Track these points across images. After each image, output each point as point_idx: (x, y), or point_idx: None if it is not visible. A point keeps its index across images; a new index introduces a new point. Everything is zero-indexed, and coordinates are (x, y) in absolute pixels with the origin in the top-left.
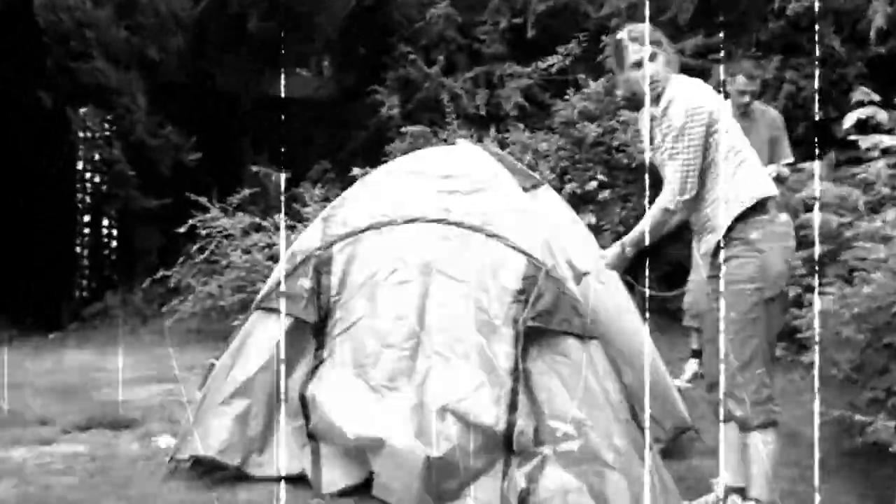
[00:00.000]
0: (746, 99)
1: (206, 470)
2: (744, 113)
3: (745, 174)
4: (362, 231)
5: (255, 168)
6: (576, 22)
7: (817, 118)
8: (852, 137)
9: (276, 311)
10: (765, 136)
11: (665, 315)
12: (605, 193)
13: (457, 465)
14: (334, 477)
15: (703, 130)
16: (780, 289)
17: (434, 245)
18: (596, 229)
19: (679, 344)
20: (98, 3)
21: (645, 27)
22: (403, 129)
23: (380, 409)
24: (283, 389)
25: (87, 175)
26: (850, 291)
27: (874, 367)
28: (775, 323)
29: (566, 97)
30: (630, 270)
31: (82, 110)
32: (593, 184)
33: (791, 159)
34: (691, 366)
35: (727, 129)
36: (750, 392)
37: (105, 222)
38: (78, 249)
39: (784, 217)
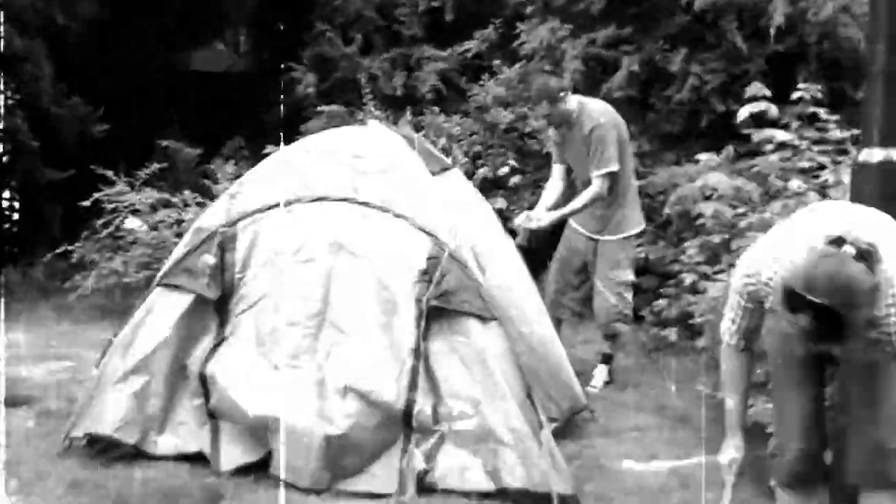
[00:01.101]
0: None
1: (102, 448)
2: None
3: None
4: (269, 208)
5: (164, 142)
6: (493, 7)
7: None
8: (746, 131)
9: (177, 287)
10: None
11: None
12: (517, 178)
13: (357, 443)
14: (232, 454)
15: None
16: None
17: (340, 224)
18: (507, 214)
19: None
20: None
21: None
22: (320, 109)
23: (280, 387)
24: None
25: None
26: None
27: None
28: None
29: (481, 82)
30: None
31: None
32: (505, 169)
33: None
34: (601, 371)
35: None
36: None
37: (6, 194)
38: None
39: None
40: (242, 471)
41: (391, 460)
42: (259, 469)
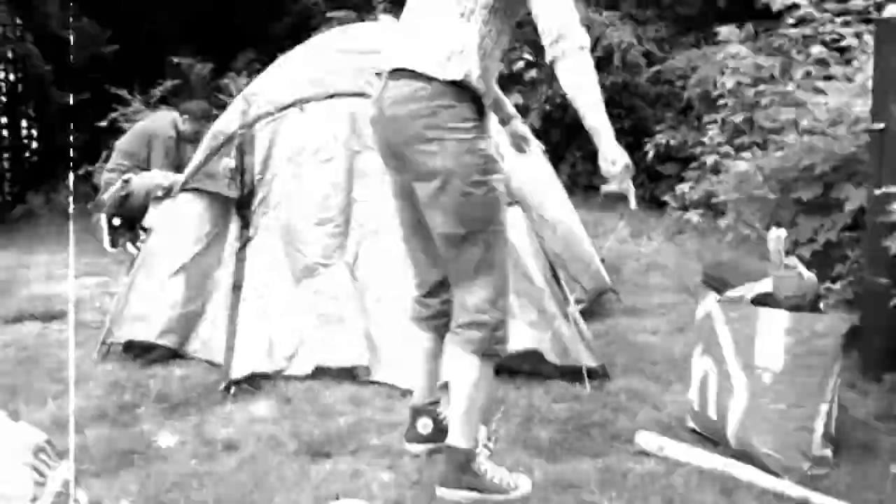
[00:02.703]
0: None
1: (140, 352)
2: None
3: None
4: (284, 108)
5: (176, 59)
6: None
7: None
8: (765, 1)
9: (200, 191)
10: None
11: (591, 190)
12: (532, 73)
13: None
14: (245, 364)
15: None
16: None
17: (357, 120)
18: (523, 109)
19: (603, 218)
20: None
21: None
22: (329, 15)
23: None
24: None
25: (1, 74)
26: (762, 154)
27: (784, 223)
28: None
29: None
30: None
31: None
32: (521, 63)
33: None
34: None
35: None
36: None
37: (23, 122)
38: None
39: None
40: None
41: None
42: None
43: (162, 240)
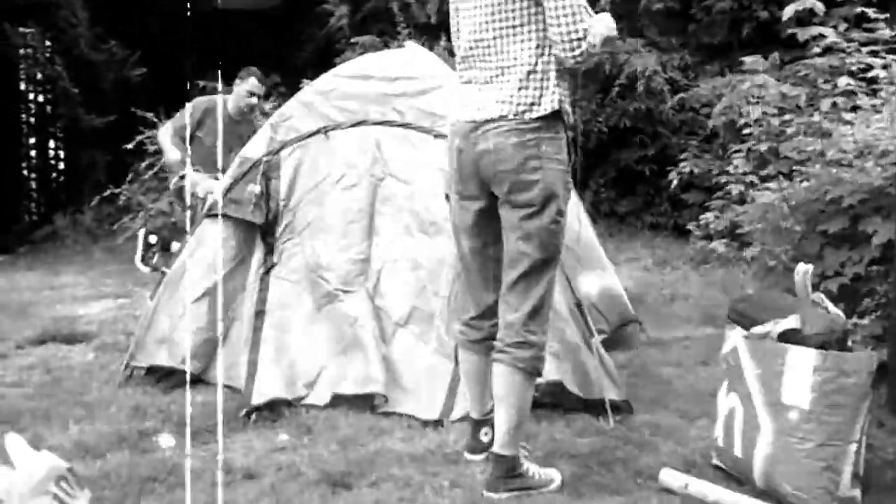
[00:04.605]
0: (254, 101)
1: (162, 375)
2: (244, 115)
3: None
4: (310, 136)
5: (202, 83)
6: None
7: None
8: (791, 31)
9: (224, 217)
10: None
11: (614, 218)
12: None
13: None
14: (265, 390)
15: None
16: None
17: (381, 147)
18: None
19: (626, 246)
20: None
21: None
22: (353, 40)
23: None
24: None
25: (31, 95)
26: (788, 185)
27: (810, 255)
28: None
29: None
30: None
31: (22, 29)
32: None
33: None
34: None
35: None
36: None
37: (51, 144)
38: (25, 172)
39: None
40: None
41: (441, 383)
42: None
43: (187, 264)
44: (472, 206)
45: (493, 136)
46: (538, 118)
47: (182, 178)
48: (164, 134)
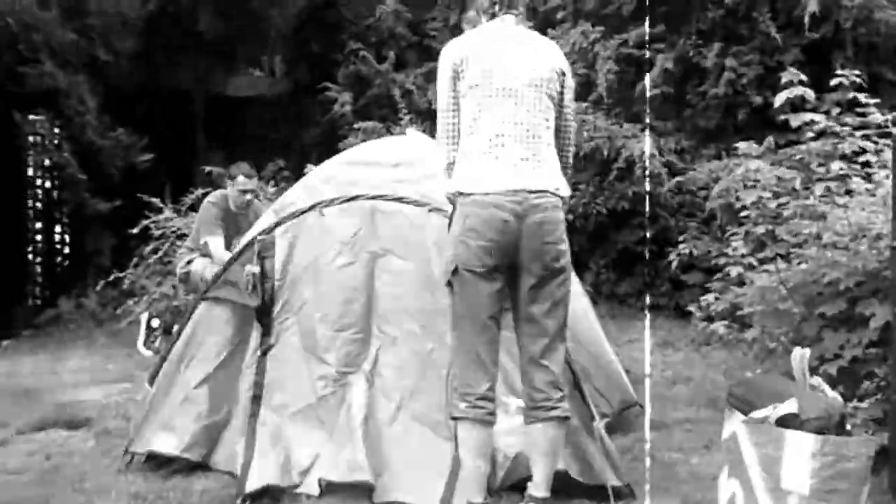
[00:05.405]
0: (248, 197)
1: (162, 462)
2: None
3: None
4: (302, 213)
5: (207, 168)
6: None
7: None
8: (784, 117)
9: (221, 300)
10: None
11: (614, 299)
12: None
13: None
14: (263, 475)
15: None
16: None
17: (377, 222)
18: None
19: (627, 328)
20: (45, 5)
21: None
22: (356, 126)
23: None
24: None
25: (38, 181)
26: (786, 267)
27: (809, 338)
28: None
29: None
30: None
31: (31, 116)
32: None
33: None
34: None
35: None
36: None
37: (57, 228)
38: (30, 256)
39: None
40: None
41: (441, 468)
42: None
43: (186, 348)
44: (497, 279)
45: (544, 210)
46: (563, 197)
47: (189, 262)
48: (209, 241)
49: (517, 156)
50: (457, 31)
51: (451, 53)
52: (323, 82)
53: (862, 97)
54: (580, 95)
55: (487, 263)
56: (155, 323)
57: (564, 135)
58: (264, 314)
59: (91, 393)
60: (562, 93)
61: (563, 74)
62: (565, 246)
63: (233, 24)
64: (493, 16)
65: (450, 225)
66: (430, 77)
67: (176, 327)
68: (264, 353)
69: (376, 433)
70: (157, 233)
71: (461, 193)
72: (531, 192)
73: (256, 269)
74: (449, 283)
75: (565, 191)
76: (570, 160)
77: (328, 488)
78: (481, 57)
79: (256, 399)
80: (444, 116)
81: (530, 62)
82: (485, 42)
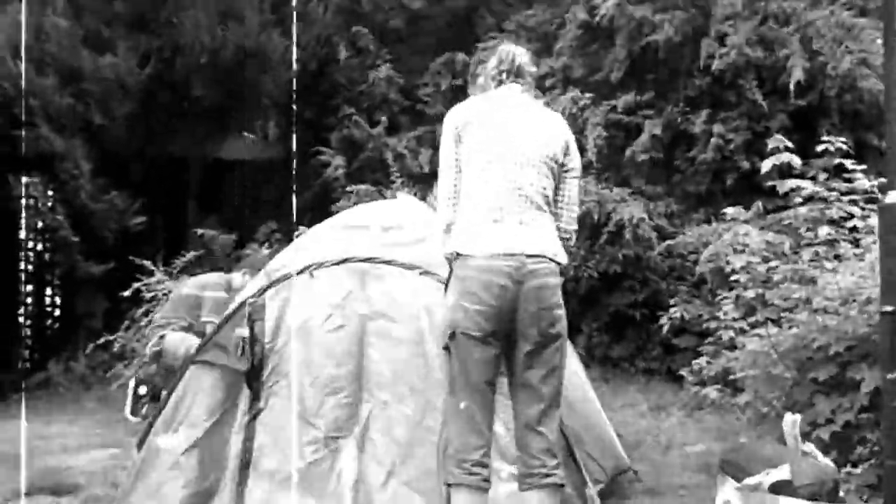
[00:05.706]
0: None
1: None
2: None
3: None
4: (295, 275)
5: (200, 231)
6: None
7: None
8: (771, 183)
9: (211, 364)
10: None
11: (607, 363)
12: None
13: None
14: None
15: None
16: None
17: (368, 286)
18: None
19: (620, 392)
20: (42, 71)
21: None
22: (349, 189)
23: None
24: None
25: (30, 243)
26: (777, 331)
27: (801, 402)
28: None
29: None
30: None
31: (25, 179)
32: None
33: None
34: None
35: None
36: None
37: (48, 291)
38: (20, 319)
39: None
40: None
41: None
42: None
43: (174, 413)
44: (493, 345)
45: (541, 276)
46: (560, 263)
47: (162, 338)
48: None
49: (516, 220)
50: (448, 94)
51: (454, 117)
52: (316, 146)
53: (848, 163)
54: None
55: (485, 328)
56: (142, 390)
57: (565, 204)
58: (254, 378)
59: (78, 459)
60: (564, 164)
61: (567, 145)
62: (562, 311)
63: (227, 90)
64: (501, 83)
65: (446, 288)
66: (422, 141)
67: (164, 393)
68: (253, 418)
69: (367, 499)
70: (148, 295)
71: (459, 255)
72: (529, 256)
73: (246, 333)
74: (446, 347)
75: (563, 257)
76: (573, 230)
77: None
78: (485, 123)
79: (245, 465)
80: (446, 178)
81: (533, 131)
82: (490, 108)
